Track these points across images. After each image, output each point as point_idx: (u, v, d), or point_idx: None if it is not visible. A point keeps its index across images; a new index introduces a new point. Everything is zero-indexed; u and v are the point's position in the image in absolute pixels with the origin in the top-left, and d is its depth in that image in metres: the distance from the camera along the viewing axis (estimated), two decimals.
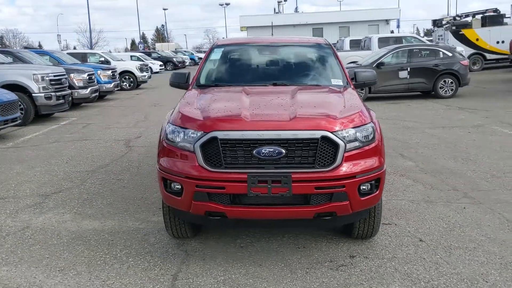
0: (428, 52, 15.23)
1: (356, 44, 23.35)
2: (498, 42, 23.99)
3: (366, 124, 3.84)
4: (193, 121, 3.86)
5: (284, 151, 3.61)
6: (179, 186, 3.82)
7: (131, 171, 6.96)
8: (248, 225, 4.36)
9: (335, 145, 3.64)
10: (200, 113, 3.97)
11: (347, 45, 23.77)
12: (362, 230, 4.23)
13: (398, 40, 20.00)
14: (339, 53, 18.42)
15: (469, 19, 26.24)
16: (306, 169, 3.61)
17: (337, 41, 27.75)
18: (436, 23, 27.44)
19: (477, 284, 3.53)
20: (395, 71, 14.81)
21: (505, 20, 25.20)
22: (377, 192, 3.85)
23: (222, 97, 4.49)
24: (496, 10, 26.08)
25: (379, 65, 14.79)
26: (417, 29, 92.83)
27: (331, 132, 3.65)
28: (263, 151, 3.61)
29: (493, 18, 24.67)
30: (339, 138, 3.65)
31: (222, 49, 5.50)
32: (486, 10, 26.35)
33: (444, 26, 25.69)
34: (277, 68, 5.31)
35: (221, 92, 4.72)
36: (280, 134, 3.63)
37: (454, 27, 24.82)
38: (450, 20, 26.68)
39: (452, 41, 23.95)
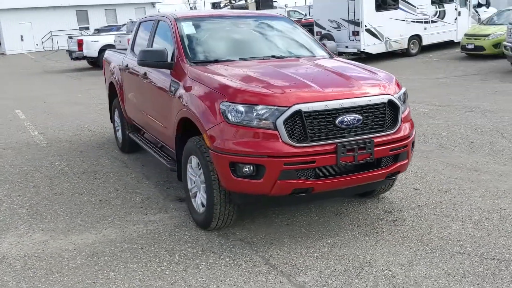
0: None
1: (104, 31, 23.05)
2: None
3: (402, 88, 4.13)
4: (266, 96, 3.55)
5: (361, 117, 3.65)
6: (257, 168, 3.51)
7: (35, 174, 5.81)
8: (322, 198, 4.23)
9: (396, 108, 3.85)
10: (265, 87, 3.66)
11: None
12: (383, 188, 4.55)
13: None
14: (129, 36, 17.83)
15: (242, 2, 28.28)
16: (380, 133, 3.74)
17: (126, 24, 26.59)
18: (215, 5, 28.85)
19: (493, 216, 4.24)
20: None
21: (274, 4, 28.01)
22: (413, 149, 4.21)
23: (259, 71, 4.17)
24: None
25: None
26: None
27: (393, 96, 3.84)
28: (345, 119, 3.59)
29: (265, 2, 27.16)
30: (398, 101, 3.87)
31: (190, 22, 5.01)
32: None
33: (226, 9, 27.21)
34: (263, 41, 5.12)
35: (242, 66, 4.35)
36: (357, 102, 3.66)
37: (233, 9, 26.50)
38: (227, 3, 28.35)
39: None
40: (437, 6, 18.28)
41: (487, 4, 23.08)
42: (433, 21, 18.21)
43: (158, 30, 5.35)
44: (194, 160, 4.08)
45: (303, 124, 3.50)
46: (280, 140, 3.47)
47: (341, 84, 3.81)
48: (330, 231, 4.05)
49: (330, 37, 17.42)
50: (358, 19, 16.49)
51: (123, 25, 31.18)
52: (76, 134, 8.37)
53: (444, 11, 18.52)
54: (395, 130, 3.83)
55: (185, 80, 4.27)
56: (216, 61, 4.49)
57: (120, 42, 19.00)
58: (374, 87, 3.85)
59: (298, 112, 3.49)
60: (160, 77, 4.82)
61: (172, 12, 5.84)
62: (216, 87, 3.79)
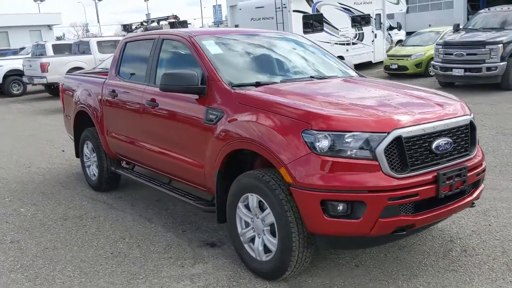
0: None
1: (60, 50, 21.25)
2: None
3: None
4: (360, 122, 3.09)
5: (451, 141, 3.34)
6: (354, 206, 3.03)
7: (3, 226, 4.77)
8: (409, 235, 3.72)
9: (474, 129, 3.59)
10: (355, 112, 3.20)
11: (50, 51, 21.37)
12: None
13: (117, 43, 19.32)
14: (44, 59, 16.37)
15: (155, 25, 27.43)
16: (466, 157, 3.45)
17: (34, 46, 24.38)
18: (126, 28, 27.62)
19: None
20: None
21: (189, 26, 27.50)
22: None
23: (327, 94, 3.68)
24: (176, 17, 28.14)
25: None
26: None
27: (471, 116, 3.59)
28: (440, 144, 3.24)
29: (180, 24, 26.53)
30: (474, 122, 3.62)
31: (212, 40, 4.39)
32: (168, 16, 28.11)
33: (138, 31, 26.11)
34: (293, 60, 4.63)
35: (299, 89, 3.82)
36: (448, 124, 3.35)
37: None
38: (139, 25, 27.31)
39: None
40: (356, 29, 18.99)
41: (399, 27, 24.55)
42: (353, 43, 18.87)
43: (164, 50, 4.66)
44: (252, 198, 3.48)
45: (402, 152, 3.09)
46: (381, 172, 3.02)
47: (425, 106, 3.47)
48: (411, 269, 3.64)
49: None
50: None
51: (22, 48, 28.84)
52: (22, 172, 7.20)
53: (363, 33, 19.29)
54: (475, 153, 3.55)
55: (233, 107, 3.67)
56: (258, 84, 3.93)
57: (30, 66, 17.31)
58: (455, 107, 3.55)
59: (398, 138, 3.07)
60: (182, 105, 4.15)
61: (178, 29, 5.16)
62: (293, 113, 3.24)
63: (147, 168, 5.01)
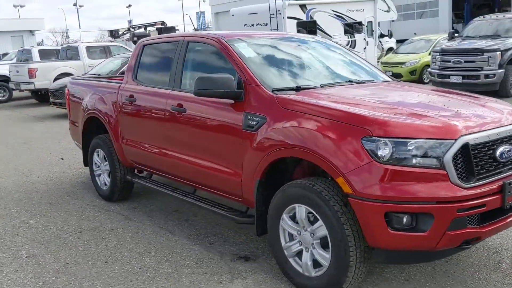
0: None
1: (46, 55, 20.78)
2: None
3: None
4: (426, 128, 2.91)
5: None
6: (420, 218, 2.84)
7: (15, 239, 4.46)
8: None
9: None
10: (417, 117, 3.02)
11: (36, 56, 20.87)
12: None
13: (106, 49, 18.96)
14: (31, 65, 15.96)
15: (142, 30, 27.08)
16: None
17: (19, 51, 23.78)
18: (113, 33, 27.20)
19: None
20: None
21: (177, 32, 27.20)
22: None
23: (376, 98, 3.49)
24: (163, 23, 27.83)
25: (123, 74, 13.78)
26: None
27: None
28: (504, 151, 3.08)
29: (167, 30, 26.20)
30: None
31: (245, 43, 4.18)
32: (155, 22, 27.79)
33: (125, 37, 25.76)
34: (328, 64, 4.43)
35: (344, 93, 3.64)
36: (509, 130, 3.18)
37: (135, 38, 25.19)
38: (125, 31, 26.94)
39: None
40: (349, 36, 18.94)
41: (390, 35, 24.66)
42: None
43: (190, 53, 4.43)
44: (300, 210, 3.26)
45: (468, 160, 2.91)
46: (449, 181, 2.84)
47: (485, 112, 3.30)
48: (465, 283, 3.46)
49: None
50: None
51: (5, 54, 28.20)
52: (23, 181, 6.86)
53: (355, 40, 19.25)
54: None
55: (277, 112, 3.45)
56: (299, 89, 3.73)
57: (17, 72, 16.86)
58: (509, 112, 3.39)
59: (465, 145, 2.90)
60: (214, 110, 3.92)
61: (204, 32, 4.91)
62: (351, 119, 3.04)
63: (168, 177, 4.75)
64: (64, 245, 4.46)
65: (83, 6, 64.27)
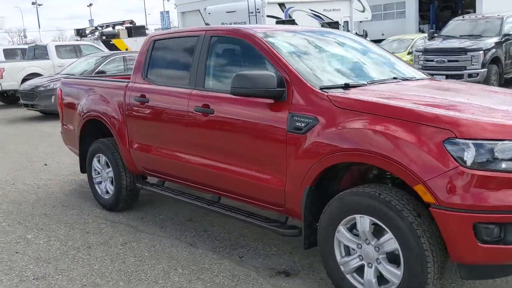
0: None
1: (11, 54, 19.78)
2: None
3: None
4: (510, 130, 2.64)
5: None
6: (506, 228, 2.57)
7: (16, 258, 3.97)
8: None
9: None
10: (500, 117, 2.75)
11: (0, 56, 19.81)
12: None
13: (77, 48, 18.14)
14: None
15: (110, 29, 26.34)
16: None
17: None
18: (80, 32, 26.31)
19: None
20: None
21: (147, 31, 26.57)
22: None
23: (441, 97, 3.20)
24: (132, 22, 27.17)
25: (101, 74, 13.19)
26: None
27: None
28: None
29: (137, 29, 25.59)
30: None
31: (278, 38, 3.82)
32: (124, 21, 27.09)
33: (93, 36, 24.96)
34: (368, 60, 4.12)
35: (403, 91, 3.35)
36: None
37: (104, 37, 24.45)
38: (93, 30, 26.13)
39: (105, 51, 23.52)
40: None
41: (365, 35, 24.68)
42: None
43: (214, 48, 4.04)
44: (363, 221, 2.94)
45: None
46: None
47: None
48: None
49: None
50: None
51: None
52: (8, 190, 6.28)
53: None
54: None
55: (331, 113, 3.12)
56: (347, 86, 3.41)
57: None
58: None
59: None
60: (250, 111, 3.55)
61: (230, 26, 4.51)
62: (430, 120, 2.73)
63: (188, 185, 4.34)
64: (75, 263, 3.99)
65: (42, 4, 62.14)
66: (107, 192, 5.22)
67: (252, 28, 3.89)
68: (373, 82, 3.60)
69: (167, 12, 67.58)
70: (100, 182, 5.31)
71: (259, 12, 15.94)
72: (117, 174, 4.97)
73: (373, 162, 2.85)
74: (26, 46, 19.88)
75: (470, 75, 12.57)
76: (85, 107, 5.21)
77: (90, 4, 76.11)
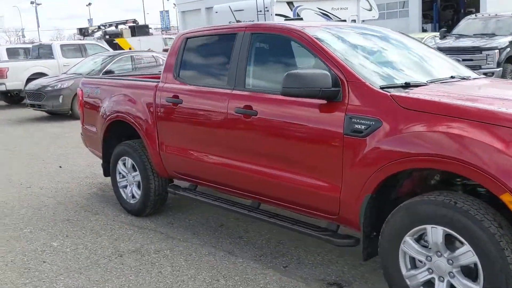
0: (149, 59, 14.34)
1: (14, 54, 19.48)
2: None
3: None
4: None
5: None
6: None
7: (42, 268, 3.74)
8: None
9: None
10: None
11: (4, 55, 19.53)
12: None
13: (82, 47, 17.86)
14: (2, 64, 14.92)
15: (113, 29, 26.08)
16: None
17: None
18: (83, 32, 26.04)
19: None
20: None
21: (150, 30, 26.32)
22: None
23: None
24: (135, 21, 26.93)
25: (107, 74, 12.95)
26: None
27: None
28: None
29: (140, 29, 25.35)
30: None
31: (328, 34, 3.60)
32: (127, 20, 26.84)
33: (96, 35, 24.70)
34: (420, 58, 3.89)
35: (466, 90, 3.13)
36: None
37: (107, 36, 24.20)
38: (96, 29, 25.86)
39: (110, 50, 23.29)
40: None
41: None
42: None
43: (256, 46, 3.82)
44: (434, 232, 2.71)
45: None
46: None
47: None
48: None
49: None
50: None
51: None
52: (24, 194, 6.04)
53: None
54: None
55: (396, 114, 2.89)
56: (408, 86, 3.18)
57: None
58: None
59: None
60: (300, 112, 3.33)
61: (273, 22, 4.27)
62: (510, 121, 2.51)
63: (224, 190, 4.12)
64: (108, 273, 3.76)
65: (41, 4, 61.76)
66: (133, 197, 4.99)
67: (298, 25, 3.66)
68: (432, 81, 3.38)
69: (167, 11, 67.33)
70: (125, 186, 5.08)
71: (267, 10, 15.72)
72: (145, 177, 4.74)
73: (452, 168, 2.62)
74: (30, 46, 19.57)
75: (485, 74, 12.35)
76: (109, 108, 4.98)
77: (89, 4, 75.71)
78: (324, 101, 3.19)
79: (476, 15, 14.74)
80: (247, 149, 3.71)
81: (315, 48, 3.37)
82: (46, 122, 12.27)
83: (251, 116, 3.62)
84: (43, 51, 17.35)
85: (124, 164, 5.02)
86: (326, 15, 18.02)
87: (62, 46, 16.95)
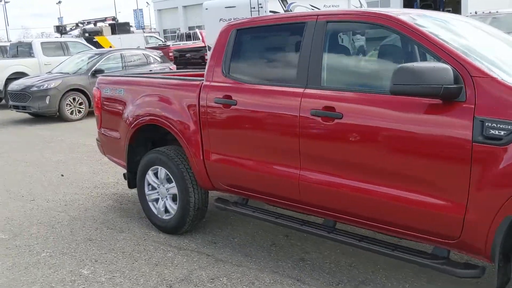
0: (140, 57, 13.60)
1: None
2: None
3: None
4: None
5: None
6: None
7: None
8: None
9: None
10: None
11: None
12: None
13: (64, 45, 16.89)
14: None
15: (92, 26, 25.11)
16: None
17: None
18: (60, 29, 24.93)
19: None
20: None
21: (131, 28, 25.43)
22: None
23: None
24: (114, 18, 26.02)
25: (96, 73, 12.18)
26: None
27: None
28: None
29: (121, 26, 24.45)
30: None
31: (429, 22, 3.05)
32: (106, 18, 25.91)
33: (73, 33, 23.68)
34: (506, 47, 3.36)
35: None
36: None
37: (87, 34, 23.21)
38: (73, 27, 24.84)
39: (93, 48, 22.33)
40: None
41: None
42: None
43: (333, 38, 3.24)
44: None
45: None
46: None
47: None
48: None
49: None
50: None
51: None
52: (30, 208, 5.33)
53: None
54: None
55: None
56: None
57: None
58: None
59: None
60: (402, 116, 2.77)
61: (356, 9, 3.66)
62: None
63: (291, 206, 3.53)
64: None
65: (9, 2, 59.55)
66: (166, 212, 4.35)
67: (388, 11, 3.10)
68: None
69: (141, 10, 65.97)
70: (156, 200, 4.44)
71: (261, 7, 15.13)
72: (183, 190, 4.11)
73: None
74: (7, 44, 18.50)
75: None
76: (138, 111, 4.33)
77: (59, 2, 73.61)
78: (438, 101, 2.64)
79: (476, 12, 14.48)
80: (327, 158, 3.13)
81: (422, 39, 2.82)
82: (32, 125, 11.42)
83: (334, 120, 3.04)
84: (22, 49, 16.41)
85: (155, 174, 4.37)
86: None
87: (43, 44, 15.99)
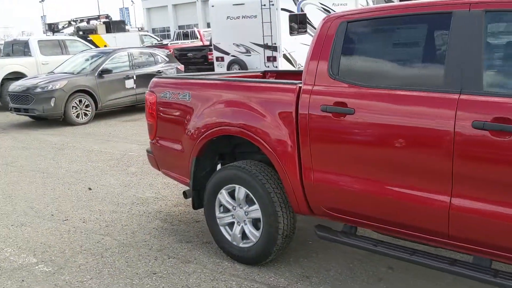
0: (147, 56, 12.86)
1: None
2: None
3: None
4: None
5: None
6: None
7: None
8: None
9: None
10: None
11: None
12: None
13: (62, 43, 15.99)
14: None
15: (85, 24, 24.18)
16: None
17: None
18: (52, 27, 23.93)
19: None
20: (121, 80, 11.78)
21: (127, 27, 24.56)
22: None
23: None
24: (108, 16, 25.12)
25: (103, 73, 11.44)
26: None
27: None
28: None
29: (116, 24, 23.55)
30: None
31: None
32: (99, 15, 25.00)
33: (66, 31, 22.75)
34: None
35: None
36: None
37: (81, 33, 22.29)
38: (66, 25, 23.87)
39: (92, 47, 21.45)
40: None
41: None
42: None
43: (500, 30, 2.60)
44: None
45: None
46: None
47: None
48: None
49: (242, 63, 15.28)
50: (275, 44, 14.70)
51: None
52: (67, 231, 4.61)
53: None
54: None
55: None
56: None
57: None
58: None
59: None
60: None
61: None
62: None
63: (424, 238, 2.88)
64: None
65: None
66: (245, 238, 3.67)
67: None
68: None
69: (127, 8, 64.88)
70: (230, 224, 3.75)
71: (272, 4, 14.47)
72: (270, 214, 3.43)
73: None
74: (1, 42, 17.55)
75: None
76: (210, 119, 3.64)
77: (42, 0, 71.97)
78: None
79: None
80: (497, 182, 2.48)
81: None
82: (36, 129, 10.60)
83: (498, 135, 2.40)
84: (18, 48, 15.52)
85: (230, 194, 3.69)
86: (327, 11, 16.97)
87: (40, 42, 15.11)
